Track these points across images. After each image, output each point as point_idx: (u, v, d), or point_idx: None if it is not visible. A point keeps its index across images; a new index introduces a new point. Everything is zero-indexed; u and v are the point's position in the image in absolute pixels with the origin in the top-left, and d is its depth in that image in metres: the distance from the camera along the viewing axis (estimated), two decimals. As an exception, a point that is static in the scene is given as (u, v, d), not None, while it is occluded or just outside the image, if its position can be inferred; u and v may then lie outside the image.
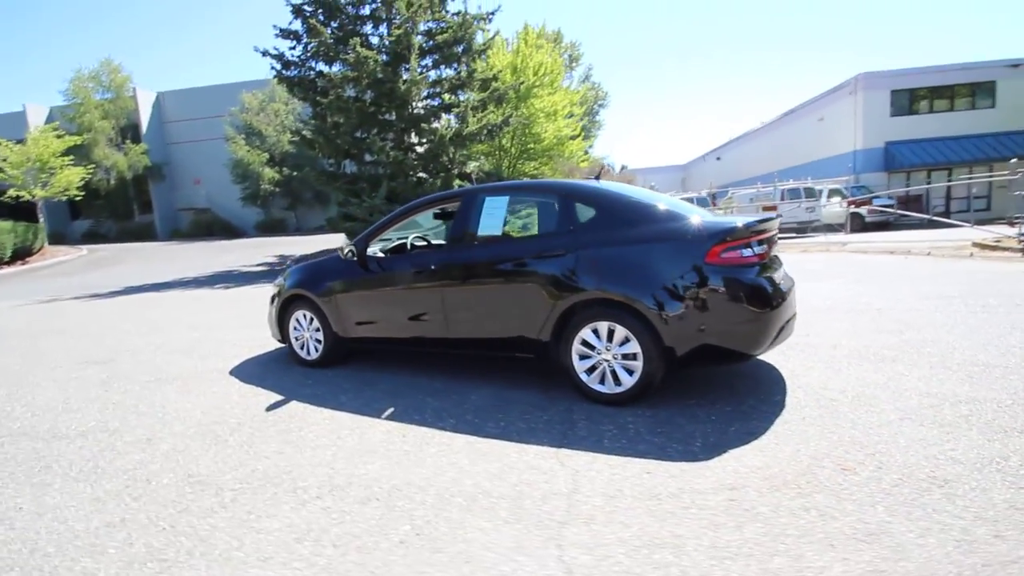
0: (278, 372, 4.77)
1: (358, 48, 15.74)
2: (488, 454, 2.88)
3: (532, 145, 21.03)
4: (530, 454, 2.85)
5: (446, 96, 18.69)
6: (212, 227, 33.44)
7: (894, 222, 19.65)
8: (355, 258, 4.38)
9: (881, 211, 19.61)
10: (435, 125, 18.34)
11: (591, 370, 3.47)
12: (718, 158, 38.43)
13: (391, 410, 3.65)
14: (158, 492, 2.67)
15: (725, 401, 3.38)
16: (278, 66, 17.60)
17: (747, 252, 3.14)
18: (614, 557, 1.97)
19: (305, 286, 4.73)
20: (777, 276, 3.36)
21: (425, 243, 4.96)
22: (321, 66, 17.71)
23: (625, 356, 3.34)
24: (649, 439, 2.94)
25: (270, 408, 3.82)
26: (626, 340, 3.32)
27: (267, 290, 7.51)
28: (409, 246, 4.79)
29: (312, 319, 4.74)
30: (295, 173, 30.22)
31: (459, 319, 3.91)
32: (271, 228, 33.37)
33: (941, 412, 3.03)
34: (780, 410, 3.20)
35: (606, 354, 3.40)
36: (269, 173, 31.30)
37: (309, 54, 17.58)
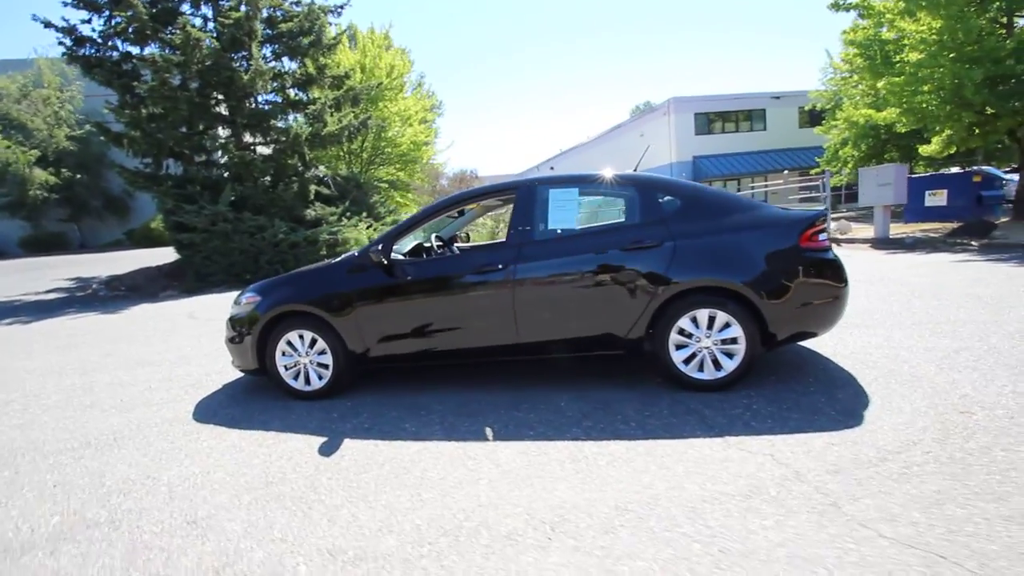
0: (271, 410, 3.81)
1: (188, 28, 13.39)
2: (668, 456, 2.69)
3: (388, 149, 20.16)
4: (704, 448, 2.74)
5: (291, 93, 16.94)
6: (-62, 248, 25.18)
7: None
8: (383, 262, 3.71)
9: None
10: (280, 124, 16.47)
11: (687, 360, 3.46)
12: (551, 168, 41.43)
13: (488, 430, 3.17)
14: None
15: (792, 377, 3.66)
16: (68, 42, 14.12)
17: (823, 236, 3.44)
18: (950, 515, 1.99)
19: (303, 301, 3.86)
20: None
21: (442, 244, 4.42)
22: (128, 47, 14.64)
23: (724, 341, 3.41)
24: (788, 415, 3.04)
25: (328, 453, 3.03)
26: (726, 326, 3.39)
27: (102, 318, 5.96)
28: (433, 247, 4.22)
29: (315, 340, 3.88)
30: (79, 176, 24.36)
31: (533, 322, 3.57)
32: (44, 245, 25.93)
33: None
34: (850, 376, 3.58)
35: (705, 341, 3.42)
36: (40, 175, 24.42)
37: (114, 31, 14.41)
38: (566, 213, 3.60)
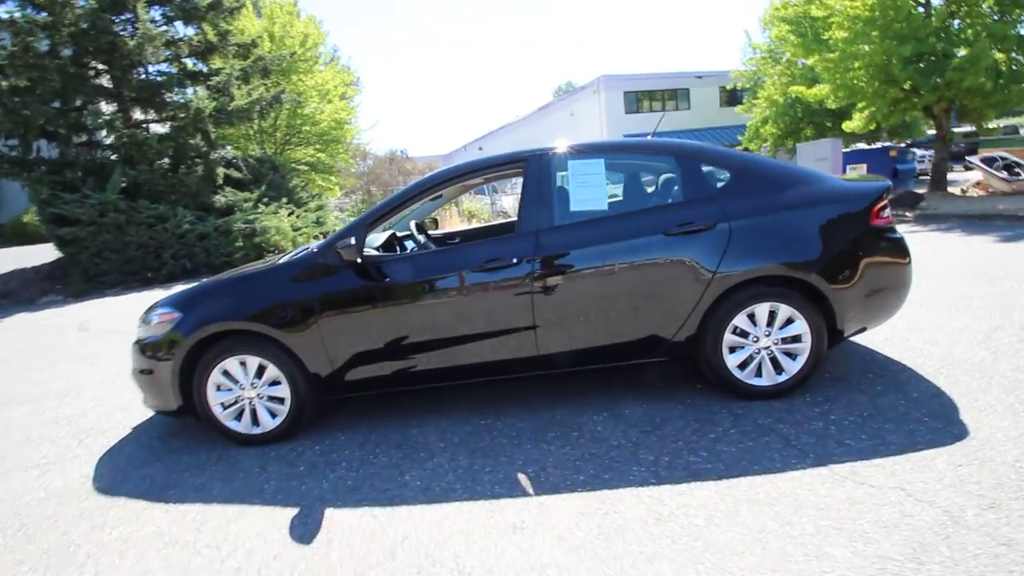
0: (208, 466, 2.82)
1: (55, -19, 11.18)
2: (778, 502, 2.06)
3: (307, 128, 18.34)
4: (815, 484, 2.14)
5: (189, 63, 14.84)
6: None
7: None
8: (356, 261, 2.79)
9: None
10: (178, 98, 14.39)
11: (743, 364, 2.88)
12: (480, 148, 40.22)
13: (522, 477, 2.42)
14: None
15: (846, 374, 3.21)
16: None
17: (888, 211, 2.95)
18: None
19: (245, 316, 2.87)
20: None
21: (423, 234, 3.54)
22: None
23: (785, 340, 2.85)
24: (878, 426, 2.53)
25: (307, 538, 2.15)
26: (788, 321, 2.83)
27: None
28: (415, 238, 3.33)
29: (263, 367, 2.91)
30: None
31: (559, 328, 2.83)
32: None
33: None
34: (907, 368, 3.16)
35: (764, 341, 2.84)
36: None
37: (-50, -19, 11.81)
38: (592, 191, 2.86)
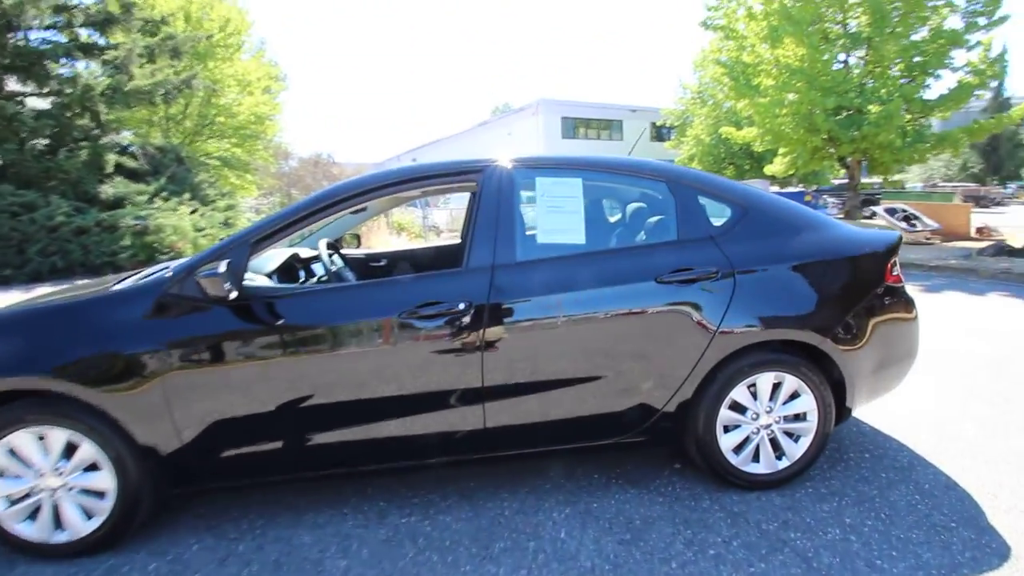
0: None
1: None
2: None
3: (221, 119, 16.67)
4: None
5: (83, 34, 12.98)
6: None
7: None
8: (223, 297, 1.93)
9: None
10: (65, 71, 12.49)
11: (737, 446, 2.31)
12: (414, 159, 39.02)
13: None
14: None
15: (837, 453, 2.74)
16: None
17: (898, 266, 2.52)
18: None
19: (43, 370, 1.92)
20: None
21: (338, 259, 2.71)
22: None
23: (787, 418, 2.32)
24: (904, 535, 2.02)
25: None
26: (793, 396, 2.30)
27: None
28: (325, 264, 2.49)
29: (73, 446, 1.97)
30: None
31: (516, 395, 2.12)
32: None
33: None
34: (904, 447, 2.75)
35: (765, 418, 2.29)
36: None
37: None
38: (567, 219, 2.20)
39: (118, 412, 1.94)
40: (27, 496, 1.99)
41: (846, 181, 16.29)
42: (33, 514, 2.03)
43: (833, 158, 14.92)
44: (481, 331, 2.05)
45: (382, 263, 3.52)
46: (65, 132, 11.91)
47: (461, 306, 2.03)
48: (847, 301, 2.30)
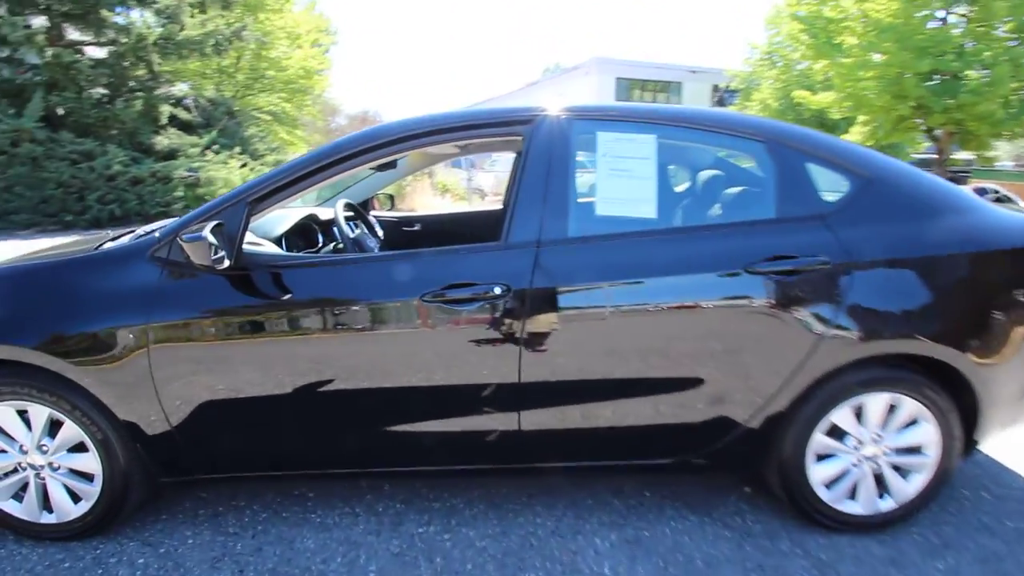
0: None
1: None
2: None
3: (271, 73, 16.56)
4: None
5: (138, -19, 12.92)
6: None
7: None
8: (209, 266, 1.61)
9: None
10: (119, 20, 12.52)
11: (832, 479, 1.87)
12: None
13: None
14: None
15: (952, 500, 2.24)
16: None
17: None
18: None
19: (27, 340, 1.67)
20: None
21: (358, 224, 2.37)
22: None
23: (900, 450, 1.85)
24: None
25: None
26: (911, 423, 1.82)
27: None
28: (341, 228, 2.15)
29: (57, 424, 1.74)
30: None
31: (561, 398, 1.75)
32: None
33: None
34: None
35: (871, 448, 1.83)
36: None
37: None
38: (635, 186, 1.76)
39: (98, 389, 1.68)
40: (13, 472, 1.80)
41: (929, 156, 14.79)
42: (19, 491, 1.84)
43: (919, 129, 13.47)
44: (520, 321, 1.66)
45: (415, 227, 3.16)
46: (121, 82, 12.03)
47: (497, 290, 1.64)
48: (995, 307, 1.78)
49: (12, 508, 1.84)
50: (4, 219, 10.42)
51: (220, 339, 1.72)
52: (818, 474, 1.85)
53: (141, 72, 12.31)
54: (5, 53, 11.55)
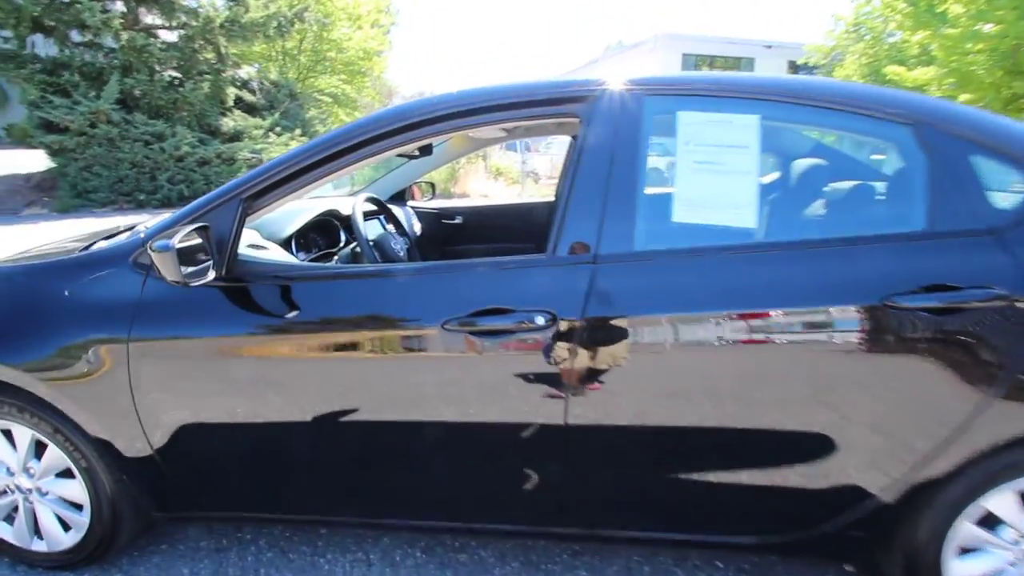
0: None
1: None
2: None
3: (332, 54, 16.65)
4: None
5: (205, -34, 13.17)
6: None
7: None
8: (183, 283, 1.29)
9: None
10: (190, 2, 12.82)
11: (975, 578, 1.40)
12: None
13: None
14: None
15: None
16: None
17: None
18: None
19: (11, 360, 1.47)
20: None
21: (384, 221, 2.07)
22: None
23: (1078, 549, 1.36)
24: None
25: None
26: (1098, 515, 1.33)
27: None
28: (359, 229, 1.85)
29: (41, 446, 1.54)
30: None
31: (615, 461, 1.38)
32: None
33: None
34: None
35: (1037, 544, 1.35)
36: None
37: None
38: (727, 184, 1.34)
39: (75, 412, 1.47)
40: (3, 494, 1.63)
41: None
42: (9, 514, 1.68)
43: (1036, 111, 11.79)
44: (568, 362, 1.29)
45: (456, 220, 2.82)
46: (190, 64, 12.35)
47: (540, 320, 1.27)
48: None
49: (3, 531, 1.68)
50: (84, 197, 11.00)
51: (207, 358, 1.45)
52: (959, 571, 1.39)
53: (210, 55, 12.59)
54: (86, 38, 12.12)
